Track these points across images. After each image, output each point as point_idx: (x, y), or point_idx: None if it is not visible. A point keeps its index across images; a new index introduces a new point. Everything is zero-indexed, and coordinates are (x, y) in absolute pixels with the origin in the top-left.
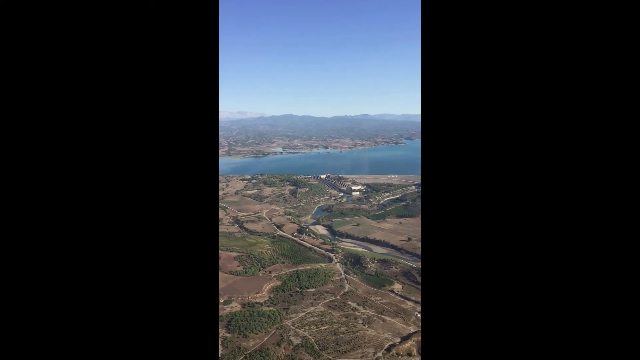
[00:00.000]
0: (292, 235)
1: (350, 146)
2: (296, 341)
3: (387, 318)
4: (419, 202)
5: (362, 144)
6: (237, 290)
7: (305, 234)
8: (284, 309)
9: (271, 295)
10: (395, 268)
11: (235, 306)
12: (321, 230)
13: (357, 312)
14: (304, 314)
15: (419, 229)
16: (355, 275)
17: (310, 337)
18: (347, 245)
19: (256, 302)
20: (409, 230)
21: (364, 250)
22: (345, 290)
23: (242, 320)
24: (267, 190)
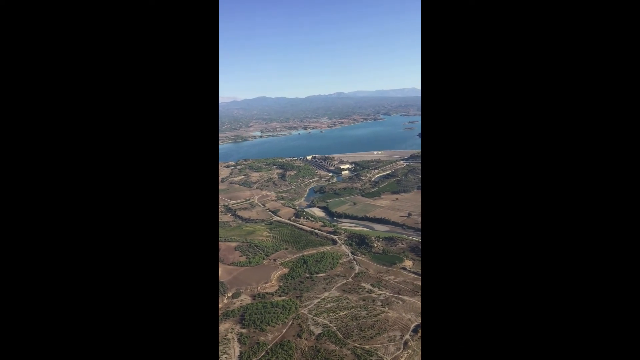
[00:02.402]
0: (289, 220)
1: (330, 125)
2: (317, 330)
3: (406, 298)
4: (411, 177)
5: (341, 122)
6: (244, 282)
7: (303, 218)
8: (297, 297)
9: (281, 284)
10: (402, 244)
11: (246, 299)
12: (318, 212)
13: (373, 294)
14: (318, 300)
15: (417, 203)
16: (363, 256)
17: (331, 324)
18: (348, 225)
19: (267, 293)
20: (406, 205)
21: (365, 229)
22: (356, 272)
23: (255, 314)
24: (255, 176)
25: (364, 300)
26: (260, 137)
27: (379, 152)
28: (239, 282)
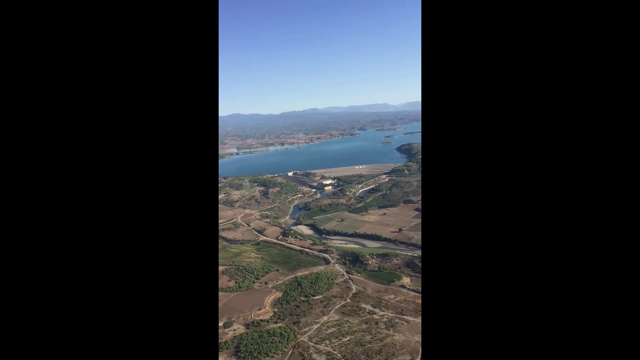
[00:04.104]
0: (277, 239)
1: (307, 140)
2: (320, 359)
3: (410, 318)
4: (395, 191)
5: (318, 138)
6: (235, 309)
7: (291, 236)
8: (294, 323)
9: (275, 310)
10: (397, 260)
11: (239, 328)
12: (305, 230)
13: (375, 316)
14: (318, 325)
15: (406, 218)
16: (358, 275)
17: (335, 352)
18: (338, 243)
19: (261, 320)
20: (395, 220)
21: (357, 246)
22: (354, 292)
23: (252, 344)
24: (236, 194)
25: (366, 323)
26: (237, 154)
27: (360, 167)
28: (230, 309)
